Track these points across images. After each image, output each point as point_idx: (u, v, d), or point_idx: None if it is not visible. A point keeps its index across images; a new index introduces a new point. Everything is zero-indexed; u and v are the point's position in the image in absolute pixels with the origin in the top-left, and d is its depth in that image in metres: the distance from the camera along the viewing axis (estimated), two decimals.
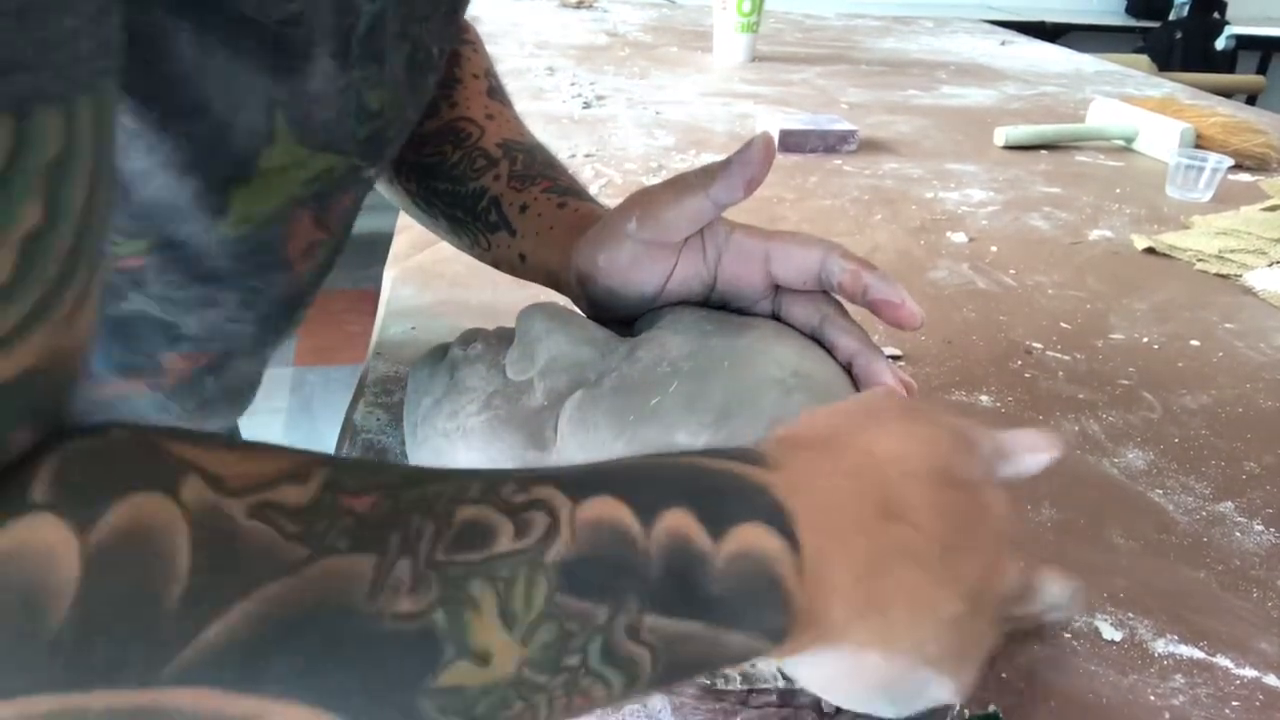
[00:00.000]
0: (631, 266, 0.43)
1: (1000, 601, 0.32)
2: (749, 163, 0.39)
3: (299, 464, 0.24)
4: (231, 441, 0.24)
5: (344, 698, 0.22)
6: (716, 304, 0.44)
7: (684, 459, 0.29)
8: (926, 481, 0.31)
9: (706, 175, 0.40)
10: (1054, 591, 0.37)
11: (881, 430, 0.32)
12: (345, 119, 0.35)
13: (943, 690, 0.31)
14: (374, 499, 0.24)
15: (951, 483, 0.31)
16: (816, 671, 0.31)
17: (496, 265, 0.53)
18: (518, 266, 0.51)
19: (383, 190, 0.58)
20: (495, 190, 0.51)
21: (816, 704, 0.37)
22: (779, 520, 0.27)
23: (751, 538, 0.27)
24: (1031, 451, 0.34)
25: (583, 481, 0.27)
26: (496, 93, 0.57)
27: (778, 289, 0.43)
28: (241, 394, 0.46)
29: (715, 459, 0.29)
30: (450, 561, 0.24)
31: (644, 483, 0.27)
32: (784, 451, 0.30)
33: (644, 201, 0.42)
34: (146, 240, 0.34)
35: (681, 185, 0.41)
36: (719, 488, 0.28)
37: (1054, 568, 0.37)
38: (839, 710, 0.37)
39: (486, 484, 0.26)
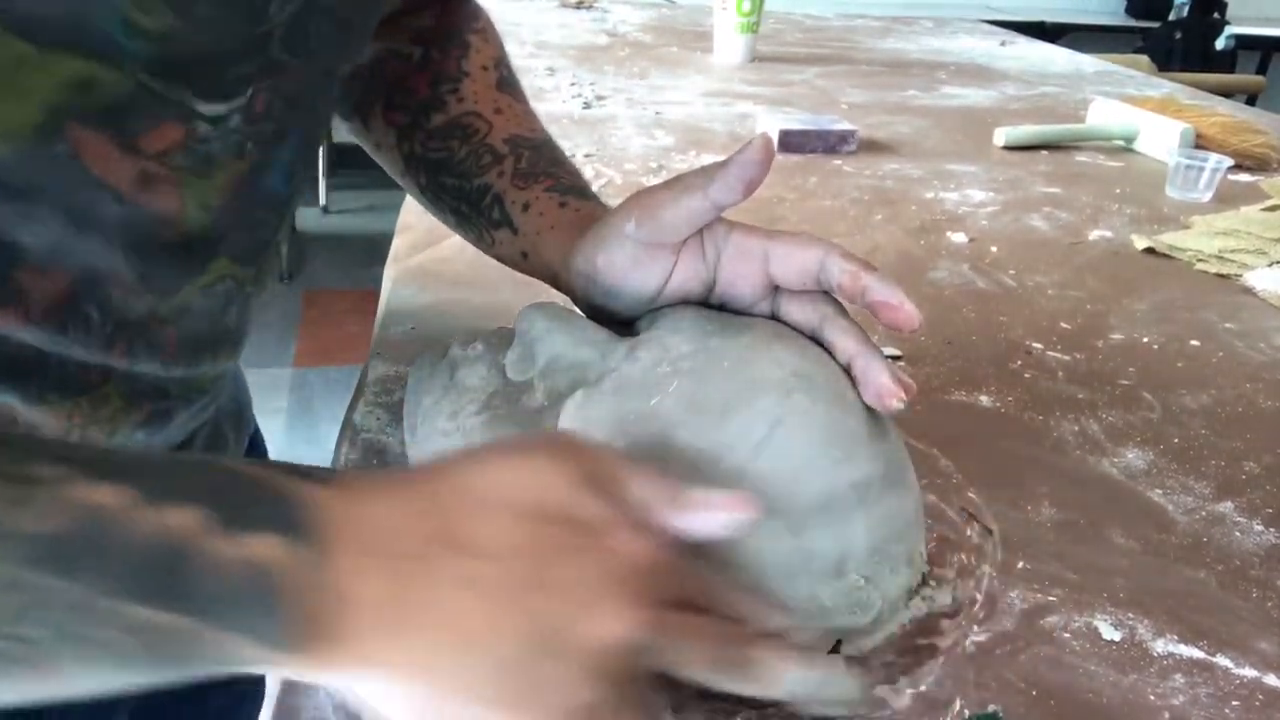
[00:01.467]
0: (630, 267, 0.43)
1: (602, 654, 0.29)
2: (748, 164, 0.39)
3: None
4: None
5: None
6: (716, 304, 0.44)
7: (228, 463, 0.30)
8: (511, 514, 0.30)
9: (705, 176, 0.40)
10: (796, 680, 0.32)
11: (489, 463, 0.32)
12: (99, 25, 0.33)
13: None
14: None
15: (549, 519, 0.30)
16: (367, 693, 0.29)
17: (501, 261, 0.53)
18: (520, 263, 0.51)
19: (399, 181, 0.58)
20: (499, 187, 0.51)
21: None
22: (302, 533, 0.28)
23: (260, 546, 0.27)
24: (707, 510, 0.32)
25: (99, 464, 0.27)
26: (506, 84, 0.57)
27: (777, 289, 0.43)
28: (193, 345, 0.44)
29: (263, 469, 0.29)
30: None
31: (163, 476, 0.28)
32: (363, 477, 0.31)
33: (643, 202, 0.42)
34: None
35: (680, 186, 0.41)
36: (246, 495, 0.28)
37: (817, 657, 0.33)
38: None
39: (22, 454, 0.27)
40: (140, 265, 0.39)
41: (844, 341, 0.41)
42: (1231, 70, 3.76)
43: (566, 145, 1.05)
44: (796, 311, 0.42)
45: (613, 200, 0.49)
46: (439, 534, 0.29)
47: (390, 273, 0.74)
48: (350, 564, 0.28)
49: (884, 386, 0.39)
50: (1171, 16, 3.84)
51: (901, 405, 0.39)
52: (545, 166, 0.52)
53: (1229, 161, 1.05)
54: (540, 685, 0.28)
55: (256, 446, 0.70)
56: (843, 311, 0.42)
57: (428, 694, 0.28)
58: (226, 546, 0.27)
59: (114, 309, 0.39)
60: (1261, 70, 3.97)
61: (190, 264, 0.41)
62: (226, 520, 0.27)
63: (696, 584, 0.32)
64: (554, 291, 0.49)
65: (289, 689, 0.35)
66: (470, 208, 0.52)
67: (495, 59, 0.58)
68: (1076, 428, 0.59)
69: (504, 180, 0.51)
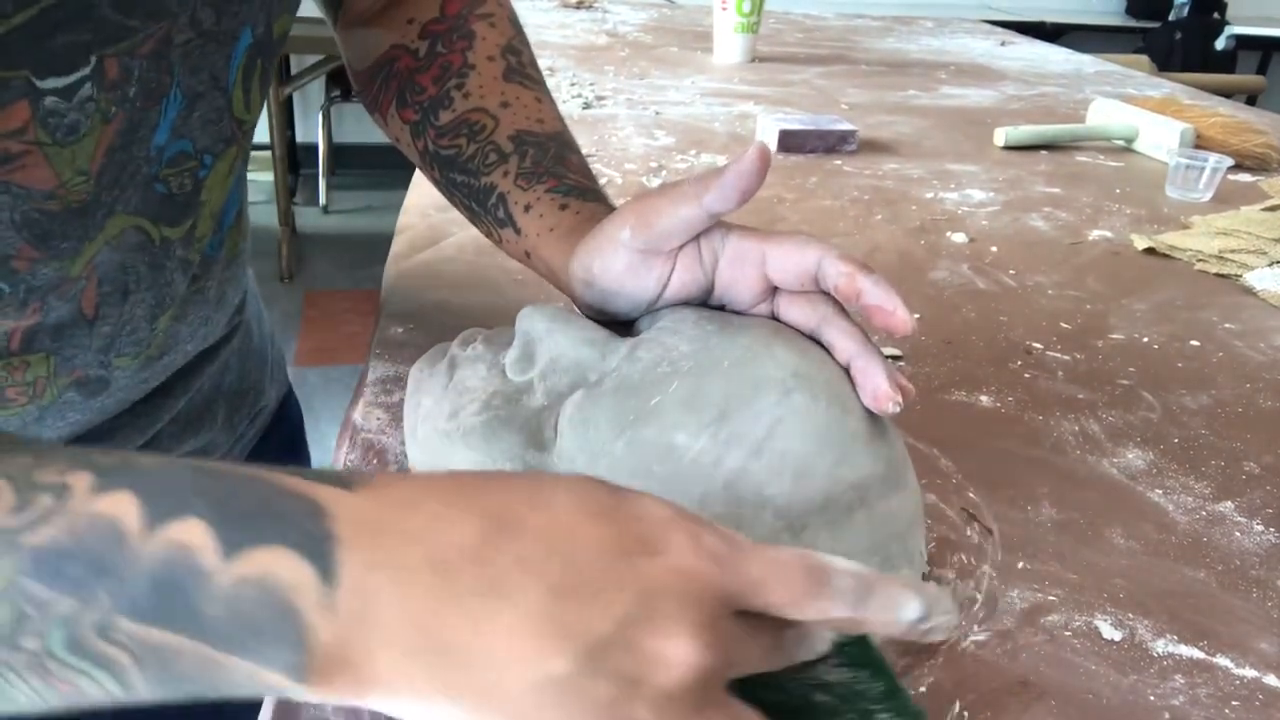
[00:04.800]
0: (627, 273, 0.43)
1: (665, 684, 0.25)
2: (743, 173, 0.39)
3: None
4: None
5: None
6: (715, 306, 0.44)
7: (244, 470, 0.27)
8: (564, 510, 0.26)
9: (700, 184, 0.40)
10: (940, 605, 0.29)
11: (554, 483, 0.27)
12: None
13: None
14: None
15: (604, 514, 0.26)
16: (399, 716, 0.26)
17: (511, 257, 0.53)
18: (526, 262, 0.52)
19: (424, 175, 0.58)
20: (503, 188, 0.51)
21: None
22: (316, 548, 0.25)
23: (269, 562, 0.25)
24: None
25: (115, 473, 0.27)
26: (515, 73, 0.56)
27: (776, 290, 0.43)
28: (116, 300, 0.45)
29: (284, 475, 0.27)
30: None
31: (171, 487, 0.27)
32: (401, 480, 0.28)
33: (638, 209, 0.42)
34: None
35: (676, 194, 0.41)
36: (258, 505, 0.26)
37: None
38: None
39: (35, 461, 0.27)
40: (36, 237, 0.39)
41: (843, 342, 0.41)
42: (1231, 70, 3.76)
43: None
44: (796, 312, 0.42)
45: (614, 201, 0.49)
46: (472, 537, 0.26)
47: (390, 273, 0.74)
48: (362, 580, 0.25)
49: (880, 389, 0.39)
50: (1171, 16, 3.84)
51: (898, 408, 0.39)
52: (550, 165, 0.52)
53: (1229, 161, 1.05)
54: (584, 711, 0.25)
55: (295, 451, 0.72)
56: (842, 312, 0.42)
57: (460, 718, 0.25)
58: (234, 565, 0.25)
59: (22, 280, 0.40)
60: (1261, 70, 3.98)
61: (88, 225, 0.41)
62: (232, 534, 0.25)
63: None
64: (555, 291, 0.49)
65: None
66: (479, 205, 0.53)
67: (502, 46, 0.57)
68: (1076, 428, 0.59)
69: (508, 180, 0.51)
